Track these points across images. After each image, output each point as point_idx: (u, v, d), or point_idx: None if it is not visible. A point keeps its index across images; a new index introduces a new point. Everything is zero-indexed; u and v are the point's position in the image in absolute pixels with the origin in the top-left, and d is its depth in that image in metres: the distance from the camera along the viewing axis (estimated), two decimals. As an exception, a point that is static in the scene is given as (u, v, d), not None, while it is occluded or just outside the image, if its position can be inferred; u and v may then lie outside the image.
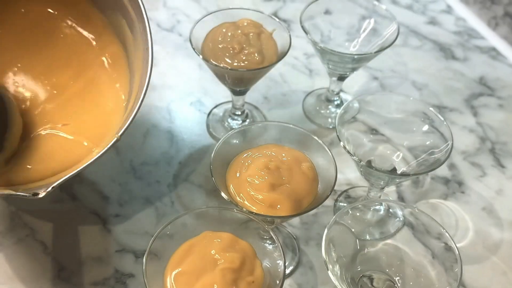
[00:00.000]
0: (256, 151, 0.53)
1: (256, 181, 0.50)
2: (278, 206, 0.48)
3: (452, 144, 0.53)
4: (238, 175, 0.51)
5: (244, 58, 0.60)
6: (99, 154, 0.48)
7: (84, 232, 0.60)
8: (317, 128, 0.73)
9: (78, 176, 0.64)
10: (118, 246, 0.59)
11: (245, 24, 0.62)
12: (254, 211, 0.47)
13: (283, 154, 0.52)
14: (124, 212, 0.62)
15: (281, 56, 0.60)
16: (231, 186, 0.51)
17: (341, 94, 0.76)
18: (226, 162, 0.52)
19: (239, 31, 0.61)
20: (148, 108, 0.73)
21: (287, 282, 0.56)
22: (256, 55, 0.60)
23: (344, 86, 0.77)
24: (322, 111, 0.75)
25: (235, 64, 0.59)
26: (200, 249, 0.46)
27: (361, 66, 0.66)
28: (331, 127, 0.73)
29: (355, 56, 0.64)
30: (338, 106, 0.75)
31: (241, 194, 0.50)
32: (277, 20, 0.63)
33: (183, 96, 0.75)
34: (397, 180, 0.57)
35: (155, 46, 0.78)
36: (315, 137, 0.53)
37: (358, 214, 0.53)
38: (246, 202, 0.49)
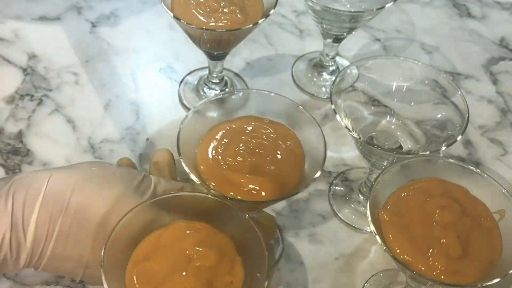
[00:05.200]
0: (233, 124, 0.51)
1: (233, 161, 0.48)
2: (259, 189, 0.46)
3: (468, 117, 0.51)
4: (212, 154, 0.49)
5: (222, 17, 0.58)
6: None
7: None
8: (309, 99, 0.71)
9: (27, 156, 0.61)
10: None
11: (224, -25, 0.61)
12: (231, 196, 0.45)
13: (266, 128, 0.50)
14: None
15: (266, 14, 0.58)
16: (203, 166, 0.48)
17: (337, 58, 0.74)
18: (198, 138, 0.50)
19: (217, -17, 0.60)
20: (109, 76, 0.70)
21: (274, 281, 0.54)
22: (237, 12, 0.58)
23: (341, 49, 0.74)
24: (315, 79, 0.73)
25: (212, 23, 0.58)
26: (170, 242, 0.44)
27: (360, 25, 0.64)
28: (325, 97, 0.70)
29: (354, 14, 0.62)
30: (333, 72, 0.73)
31: (214, 176, 0.47)
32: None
33: (150, 61, 0.73)
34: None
35: (118, 2, 0.77)
36: (301, 107, 0.51)
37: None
38: (220, 186, 0.47)
